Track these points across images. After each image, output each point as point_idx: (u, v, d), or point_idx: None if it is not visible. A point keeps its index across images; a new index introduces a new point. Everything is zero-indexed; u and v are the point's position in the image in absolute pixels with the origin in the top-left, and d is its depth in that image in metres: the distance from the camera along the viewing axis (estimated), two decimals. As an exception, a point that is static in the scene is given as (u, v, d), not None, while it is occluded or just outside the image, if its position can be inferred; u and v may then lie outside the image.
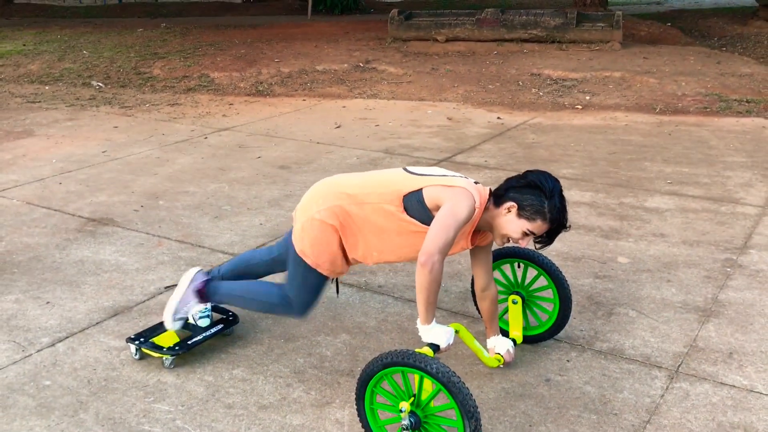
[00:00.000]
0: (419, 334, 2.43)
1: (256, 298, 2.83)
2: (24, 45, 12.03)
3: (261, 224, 4.47)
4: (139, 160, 5.94)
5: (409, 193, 2.49)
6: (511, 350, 2.82)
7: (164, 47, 11.22)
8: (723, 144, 6.00)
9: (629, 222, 4.35)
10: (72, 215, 4.63)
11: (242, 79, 9.17)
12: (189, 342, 2.93)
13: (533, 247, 2.68)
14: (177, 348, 2.89)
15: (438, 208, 2.45)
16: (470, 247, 2.64)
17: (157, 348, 2.89)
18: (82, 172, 5.63)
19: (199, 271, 2.98)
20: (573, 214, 4.47)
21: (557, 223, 2.49)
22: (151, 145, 6.41)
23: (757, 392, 2.70)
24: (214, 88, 8.92)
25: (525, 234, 2.48)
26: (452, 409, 2.18)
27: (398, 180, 2.56)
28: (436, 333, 2.40)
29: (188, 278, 2.95)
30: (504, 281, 3.03)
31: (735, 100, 7.34)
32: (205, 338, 2.98)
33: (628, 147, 5.98)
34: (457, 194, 2.44)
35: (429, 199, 2.48)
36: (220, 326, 3.05)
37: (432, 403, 2.25)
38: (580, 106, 7.51)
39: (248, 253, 3.09)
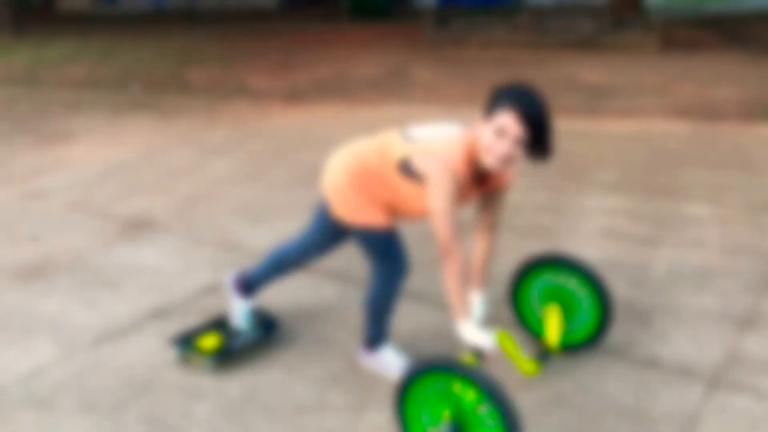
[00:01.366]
0: (460, 335, 2.41)
1: (287, 259, 2.96)
2: (65, 51, 12.33)
3: (298, 228, 4.52)
4: (177, 164, 6.05)
5: (402, 160, 2.48)
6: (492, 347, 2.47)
7: (201, 53, 11.41)
8: (763, 151, 5.90)
9: (666, 229, 4.31)
10: (113, 218, 4.74)
11: (278, 84, 9.28)
12: (229, 349, 2.98)
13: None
14: (217, 355, 2.94)
15: (423, 173, 2.44)
16: (478, 197, 2.61)
17: (199, 353, 2.96)
18: (122, 175, 5.75)
19: (231, 275, 3.13)
20: (609, 221, 4.44)
21: (528, 112, 2.26)
22: (189, 149, 6.52)
23: (799, 404, 2.66)
24: (251, 94, 9.03)
25: (500, 135, 2.29)
26: (494, 418, 2.14)
27: (394, 140, 2.55)
28: (478, 335, 2.35)
29: (227, 286, 3.11)
30: (543, 288, 3.00)
31: (776, 106, 7.22)
32: (246, 345, 3.03)
33: (665, 154, 5.92)
34: (433, 171, 2.36)
35: (418, 169, 2.45)
36: (260, 332, 3.10)
37: (476, 410, 2.20)
38: (616, 112, 7.44)
39: (278, 246, 3.10)
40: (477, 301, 2.80)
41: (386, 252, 2.70)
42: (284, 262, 3.01)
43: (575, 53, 9.66)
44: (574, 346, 2.98)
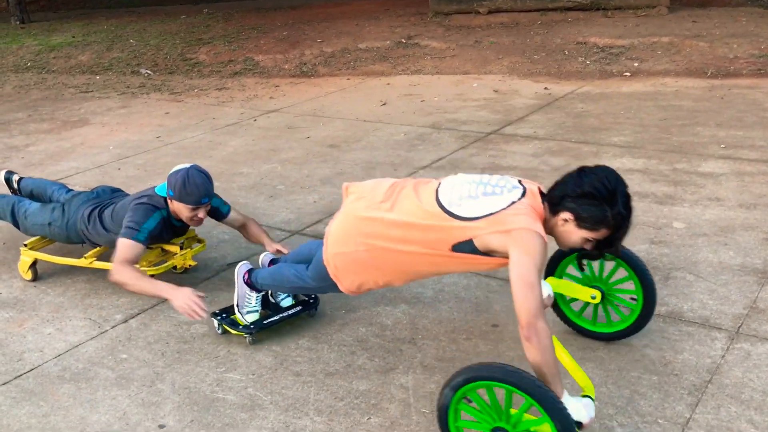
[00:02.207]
0: None
1: (283, 285, 2.91)
2: (73, 37, 12.33)
3: (315, 202, 4.57)
4: (192, 144, 6.09)
5: (459, 243, 2.31)
6: (551, 294, 2.65)
7: (208, 33, 11.38)
8: (778, 105, 5.87)
9: (683, 187, 4.32)
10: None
11: (286, 60, 9.27)
12: (265, 321, 2.99)
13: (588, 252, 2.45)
14: (252, 326, 2.97)
15: (493, 250, 2.27)
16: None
17: (235, 325, 3.00)
18: (138, 157, 5.81)
19: (242, 264, 3.08)
20: (626, 181, 4.45)
21: (624, 230, 2.26)
22: (202, 129, 6.56)
23: (821, 351, 2.69)
24: (260, 71, 9.04)
25: (587, 241, 2.30)
26: (546, 423, 1.99)
27: (442, 225, 2.32)
28: (574, 407, 2.06)
29: (237, 272, 3.05)
30: (579, 276, 2.83)
31: (790, 60, 7.15)
32: (282, 318, 3.03)
33: (680, 112, 5.89)
34: (520, 240, 2.19)
35: (482, 246, 2.29)
36: (298, 308, 3.09)
37: (524, 417, 2.06)
38: (628, 73, 7.40)
39: (307, 244, 3.08)
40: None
41: (325, 285, 2.70)
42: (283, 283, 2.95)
43: (584, 16, 9.57)
44: (616, 335, 2.81)
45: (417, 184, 2.52)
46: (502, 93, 7.07)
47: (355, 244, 2.50)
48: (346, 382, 2.72)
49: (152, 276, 3.28)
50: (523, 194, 2.31)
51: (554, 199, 2.30)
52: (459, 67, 8.33)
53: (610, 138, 5.32)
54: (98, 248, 3.56)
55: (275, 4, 14.04)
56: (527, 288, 2.11)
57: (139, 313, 3.32)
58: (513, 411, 2.07)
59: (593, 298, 2.76)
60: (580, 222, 2.25)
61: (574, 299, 2.89)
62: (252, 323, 2.99)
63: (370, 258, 2.48)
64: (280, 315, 3.04)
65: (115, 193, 3.73)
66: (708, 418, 2.39)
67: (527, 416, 2.07)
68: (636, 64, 7.63)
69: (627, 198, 2.24)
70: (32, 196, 3.93)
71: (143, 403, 2.67)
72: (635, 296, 2.73)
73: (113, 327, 3.22)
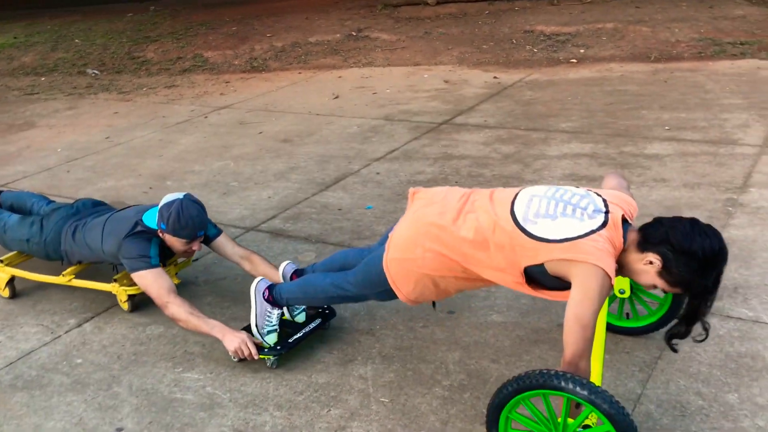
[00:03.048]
0: None
1: (316, 296, 2.74)
2: (15, 37, 12.01)
3: (269, 197, 4.55)
4: (142, 143, 6.00)
5: (530, 266, 2.17)
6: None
7: (155, 30, 11.20)
8: (719, 87, 6.04)
9: (630, 170, 4.42)
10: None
11: (236, 56, 9.19)
12: (290, 341, 2.81)
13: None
14: (279, 348, 2.78)
15: (563, 276, 2.13)
16: None
17: (260, 348, 2.78)
18: (88, 159, 5.70)
19: (261, 280, 2.88)
20: (574, 166, 4.55)
21: (703, 302, 2.11)
22: (152, 127, 6.47)
23: (762, 322, 2.80)
24: (209, 68, 8.94)
25: (654, 287, 2.16)
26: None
27: (514, 243, 2.17)
28: None
29: (254, 290, 2.83)
30: None
31: (729, 43, 7.35)
32: (305, 335, 2.85)
33: (625, 97, 6.02)
34: (587, 277, 2.04)
35: (553, 271, 2.14)
36: (318, 320, 2.93)
37: (580, 428, 1.98)
38: (574, 60, 7.53)
39: (341, 253, 2.92)
40: None
41: (371, 293, 2.55)
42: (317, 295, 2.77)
43: (531, 4, 9.69)
44: (643, 329, 2.76)
45: (493, 193, 2.36)
46: (452, 83, 7.13)
47: (422, 251, 2.33)
48: (306, 376, 2.73)
49: (133, 296, 3.23)
50: (604, 224, 2.12)
51: (652, 239, 2.10)
52: (409, 58, 8.36)
53: (559, 124, 5.41)
54: (77, 266, 3.40)
55: (223, 0, 13.88)
56: (581, 329, 2.01)
57: (93, 317, 3.28)
58: (570, 420, 1.97)
59: (621, 292, 2.69)
60: (664, 273, 2.08)
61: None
62: (278, 345, 2.79)
63: (436, 265, 2.32)
64: (303, 331, 2.86)
65: (97, 207, 3.56)
66: (658, 392, 2.47)
67: (588, 421, 1.98)
68: (582, 51, 7.76)
69: (719, 275, 2.09)
70: (12, 209, 3.74)
71: (100, 407, 2.64)
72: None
73: (67, 332, 3.17)
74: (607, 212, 2.16)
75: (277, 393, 2.65)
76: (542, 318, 2.96)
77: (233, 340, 2.74)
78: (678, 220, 2.10)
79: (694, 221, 2.10)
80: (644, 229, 2.14)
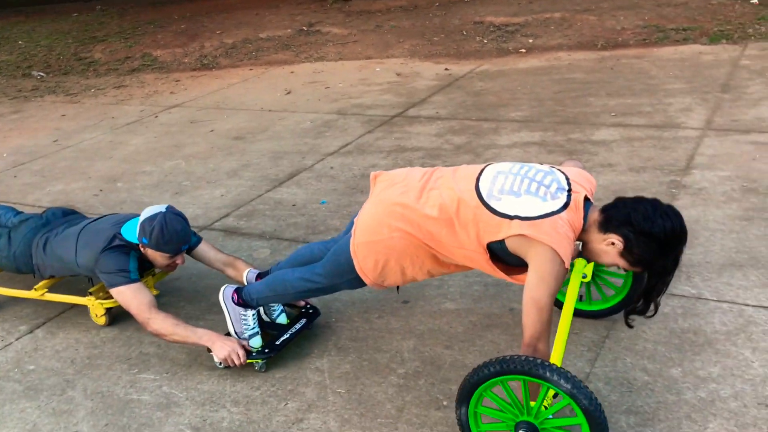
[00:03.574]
0: None
1: (286, 292, 2.71)
2: (-44, 41, 11.68)
3: (222, 196, 4.53)
4: (91, 145, 5.91)
5: (492, 242, 2.20)
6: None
7: (102, 30, 11.00)
8: (663, 73, 6.19)
9: (578, 156, 4.52)
10: (32, 207, 4.63)
11: (186, 54, 9.08)
12: (277, 342, 2.77)
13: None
14: (267, 351, 2.74)
15: (521, 255, 2.16)
16: None
17: (248, 353, 2.74)
18: (35, 163, 5.59)
19: (227, 287, 2.85)
20: (524, 154, 4.63)
21: (661, 282, 2.18)
22: (102, 129, 6.37)
23: (704, 299, 2.90)
24: (159, 67, 8.82)
25: (615, 266, 2.24)
26: (579, 424, 1.94)
27: (478, 219, 2.20)
28: None
29: (222, 297, 2.81)
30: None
31: (672, 29, 7.53)
32: (293, 336, 2.81)
33: (573, 85, 6.14)
34: (544, 260, 2.08)
35: (512, 248, 2.18)
36: (303, 321, 2.89)
37: (543, 407, 2.00)
38: (524, 50, 7.63)
39: (305, 247, 2.91)
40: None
41: (340, 282, 2.56)
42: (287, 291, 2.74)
43: (480, -4, 9.81)
44: (596, 313, 2.82)
45: (456, 170, 2.37)
46: (404, 76, 7.17)
47: (388, 231, 2.33)
48: (262, 372, 2.74)
49: (110, 309, 3.12)
50: (566, 205, 2.15)
51: (613, 221, 2.14)
52: (361, 52, 8.38)
53: (509, 113, 5.49)
54: (50, 279, 3.27)
55: (171, -3, 13.70)
56: (537, 312, 2.06)
57: (45, 323, 3.23)
58: (532, 403, 2.00)
59: (584, 277, 2.67)
60: (626, 253, 2.14)
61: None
62: (265, 347, 2.75)
63: (403, 246, 2.33)
64: (290, 332, 2.81)
65: (68, 216, 3.43)
66: (606, 370, 2.55)
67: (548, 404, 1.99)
68: (531, 41, 7.87)
69: (679, 256, 2.14)
70: None
71: (54, 412, 2.62)
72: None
73: (18, 339, 3.12)
74: (569, 191, 2.19)
75: (234, 389, 2.65)
76: (494, 303, 3.02)
77: (223, 348, 2.68)
78: (639, 201, 2.14)
79: (655, 202, 2.13)
80: (606, 210, 2.18)
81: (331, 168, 4.80)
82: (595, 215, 2.19)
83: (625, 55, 6.95)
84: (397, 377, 2.62)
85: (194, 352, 2.90)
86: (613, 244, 2.14)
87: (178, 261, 3.00)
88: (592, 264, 2.50)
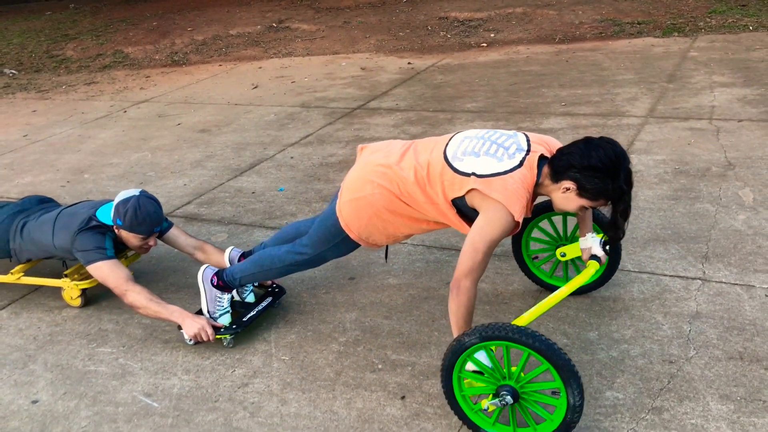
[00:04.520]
0: None
1: (273, 267, 2.85)
2: (-73, 40, 11.69)
3: (185, 185, 4.70)
4: (60, 140, 6.05)
5: (456, 198, 2.39)
6: (606, 249, 2.67)
7: (75, 28, 11.09)
8: (614, 65, 6.44)
9: (525, 143, 4.73)
10: (1, 198, 4.78)
11: (157, 51, 9.21)
12: (244, 319, 2.90)
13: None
14: (234, 326, 2.87)
15: (477, 208, 2.35)
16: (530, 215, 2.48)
17: (215, 329, 2.87)
18: (5, 157, 5.72)
19: (207, 267, 2.98)
20: (475, 142, 4.83)
21: (623, 204, 2.31)
22: (71, 124, 6.50)
23: (626, 270, 3.12)
24: (130, 63, 8.95)
25: (583, 208, 2.37)
26: (547, 370, 2.07)
27: (443, 178, 2.41)
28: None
29: (201, 278, 2.95)
30: (546, 237, 2.96)
31: (627, 23, 7.79)
32: (259, 313, 2.96)
33: (528, 77, 6.36)
34: (490, 212, 2.28)
35: (471, 203, 2.37)
36: (269, 299, 3.04)
37: (523, 373, 2.14)
38: (485, 44, 7.85)
39: (291, 225, 3.07)
40: (593, 243, 2.68)
41: (329, 251, 2.73)
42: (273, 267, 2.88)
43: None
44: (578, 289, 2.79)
45: (431, 140, 2.59)
46: (368, 70, 7.36)
47: (371, 188, 2.53)
48: (213, 344, 2.92)
49: (85, 291, 3.25)
50: (520, 164, 2.32)
51: (559, 168, 2.31)
52: (329, 47, 8.56)
53: (464, 105, 5.70)
54: (26, 263, 3.41)
55: (144, -5, 13.78)
56: (473, 251, 2.25)
57: (9, 304, 3.39)
58: (513, 368, 2.13)
59: (563, 255, 2.85)
60: (582, 192, 2.29)
61: (544, 261, 3.04)
62: (234, 323, 2.90)
63: (384, 203, 2.52)
64: (257, 309, 2.97)
65: (44, 204, 3.56)
66: (529, 334, 2.76)
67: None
68: (492, 35, 8.10)
69: (629, 174, 2.28)
70: None
71: (16, 383, 2.78)
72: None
73: (-17, 319, 3.28)
74: (528, 152, 2.37)
75: (186, 359, 2.84)
76: (433, 278, 3.22)
77: (193, 325, 2.81)
78: (574, 145, 2.33)
79: (587, 139, 2.32)
80: (551, 162, 2.36)
81: (291, 158, 4.99)
82: (545, 170, 2.37)
83: (581, 48, 7.20)
84: (338, 345, 2.82)
85: (150, 326, 3.08)
86: (568, 189, 2.31)
87: (151, 243, 3.13)
88: (574, 245, 2.76)
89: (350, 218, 2.60)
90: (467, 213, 2.45)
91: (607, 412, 2.32)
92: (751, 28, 7.12)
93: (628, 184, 2.28)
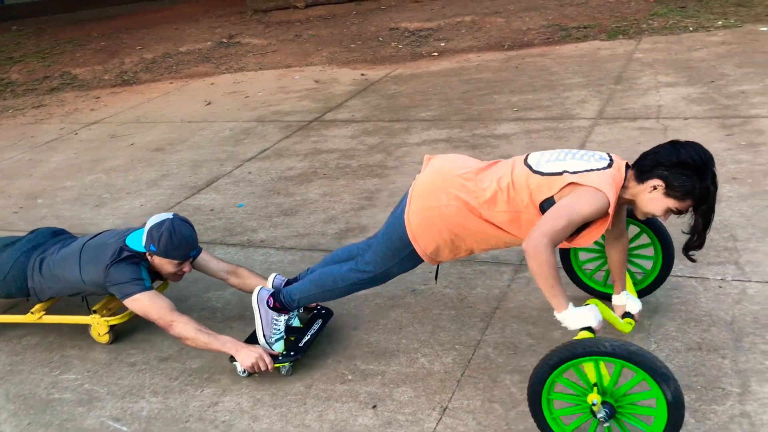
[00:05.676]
0: (563, 325, 2.20)
1: (335, 287, 2.70)
2: None
3: (142, 205, 4.65)
4: (10, 165, 5.92)
5: (544, 200, 2.31)
6: (640, 310, 2.66)
7: (19, 50, 10.87)
8: (563, 69, 6.58)
9: (481, 149, 4.81)
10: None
11: (106, 71, 9.09)
12: (300, 344, 2.77)
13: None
14: (293, 354, 2.74)
15: None
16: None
17: (274, 357, 2.73)
18: (-48, 185, 5.58)
19: (261, 289, 2.84)
20: (432, 151, 4.90)
21: (708, 206, 2.24)
22: (21, 149, 6.37)
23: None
24: (79, 85, 8.81)
25: (669, 211, 2.30)
26: (643, 380, 1.99)
27: (529, 183, 2.35)
28: (581, 316, 2.17)
29: (256, 300, 2.80)
30: (596, 246, 2.90)
31: (574, 27, 7.97)
32: (313, 336, 2.82)
33: (480, 84, 6.46)
34: (583, 192, 2.22)
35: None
36: (320, 321, 2.92)
37: (617, 386, 2.08)
38: (436, 53, 7.94)
39: (342, 249, 2.93)
40: (628, 301, 2.67)
41: (394, 267, 2.59)
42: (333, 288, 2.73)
43: (396, 2, 10.11)
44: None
45: (505, 161, 2.53)
46: (322, 82, 7.38)
47: (447, 198, 2.42)
48: (180, 364, 2.90)
49: (113, 327, 3.08)
50: (609, 165, 2.32)
51: (645, 167, 2.28)
52: (281, 61, 8.56)
53: (419, 114, 5.77)
54: (46, 302, 3.20)
55: (91, 16, 13.57)
56: (556, 216, 2.18)
57: (-35, 336, 3.31)
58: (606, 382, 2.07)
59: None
60: (670, 190, 2.24)
61: (587, 261, 2.97)
62: (291, 351, 2.75)
63: (458, 217, 2.41)
64: (311, 333, 2.84)
65: (58, 236, 3.32)
66: (495, 337, 2.81)
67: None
68: (443, 44, 8.20)
69: (714, 175, 2.25)
70: None
71: (-23, 416, 2.72)
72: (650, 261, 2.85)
73: (-61, 353, 3.19)
74: (611, 160, 2.36)
75: (153, 381, 2.81)
76: (399, 286, 3.25)
77: (249, 355, 2.66)
78: (660, 146, 2.31)
79: (673, 141, 2.32)
80: (636, 165, 2.34)
81: (249, 173, 4.97)
82: (630, 173, 2.36)
83: (529, 54, 7.34)
84: (306, 358, 2.82)
85: (114, 350, 3.04)
86: (655, 188, 2.26)
87: (185, 268, 2.95)
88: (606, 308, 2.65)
89: (418, 230, 2.47)
90: None
91: (574, 409, 2.37)
92: (691, 29, 7.36)
93: (714, 184, 2.25)
